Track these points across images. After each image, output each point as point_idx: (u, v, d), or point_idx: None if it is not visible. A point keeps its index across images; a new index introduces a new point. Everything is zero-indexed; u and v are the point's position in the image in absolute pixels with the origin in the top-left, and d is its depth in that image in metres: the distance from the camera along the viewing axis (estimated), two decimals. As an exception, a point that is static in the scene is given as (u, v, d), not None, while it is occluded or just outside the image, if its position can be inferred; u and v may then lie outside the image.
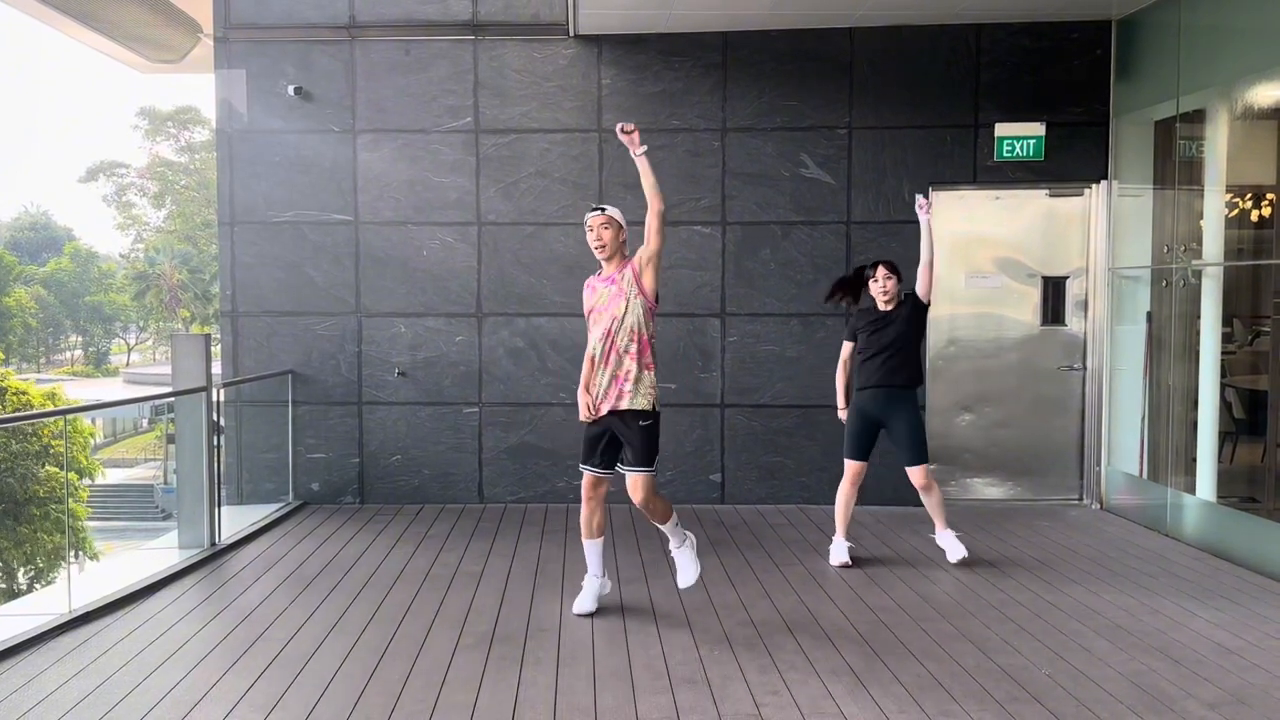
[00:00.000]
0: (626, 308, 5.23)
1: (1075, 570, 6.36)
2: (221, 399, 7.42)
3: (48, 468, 22.56)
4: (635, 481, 5.29)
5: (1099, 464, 8.23)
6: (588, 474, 5.45)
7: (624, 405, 5.23)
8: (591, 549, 5.52)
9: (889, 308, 6.36)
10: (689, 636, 5.15)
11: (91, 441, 33.86)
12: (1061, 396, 8.35)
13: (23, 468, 22.18)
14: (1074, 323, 8.33)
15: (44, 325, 59.14)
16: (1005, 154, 8.14)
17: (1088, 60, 8.12)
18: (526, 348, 8.34)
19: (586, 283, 5.43)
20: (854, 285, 6.53)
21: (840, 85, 8.21)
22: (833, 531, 6.63)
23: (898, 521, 7.55)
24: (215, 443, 7.06)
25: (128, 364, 61.86)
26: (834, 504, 6.60)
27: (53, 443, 22.23)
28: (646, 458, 5.28)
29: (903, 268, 6.46)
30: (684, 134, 8.26)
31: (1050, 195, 8.31)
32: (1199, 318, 7.17)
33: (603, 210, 5.27)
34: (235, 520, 7.54)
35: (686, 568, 5.53)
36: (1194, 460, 7.19)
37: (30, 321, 56.26)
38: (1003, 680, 4.55)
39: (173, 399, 7.02)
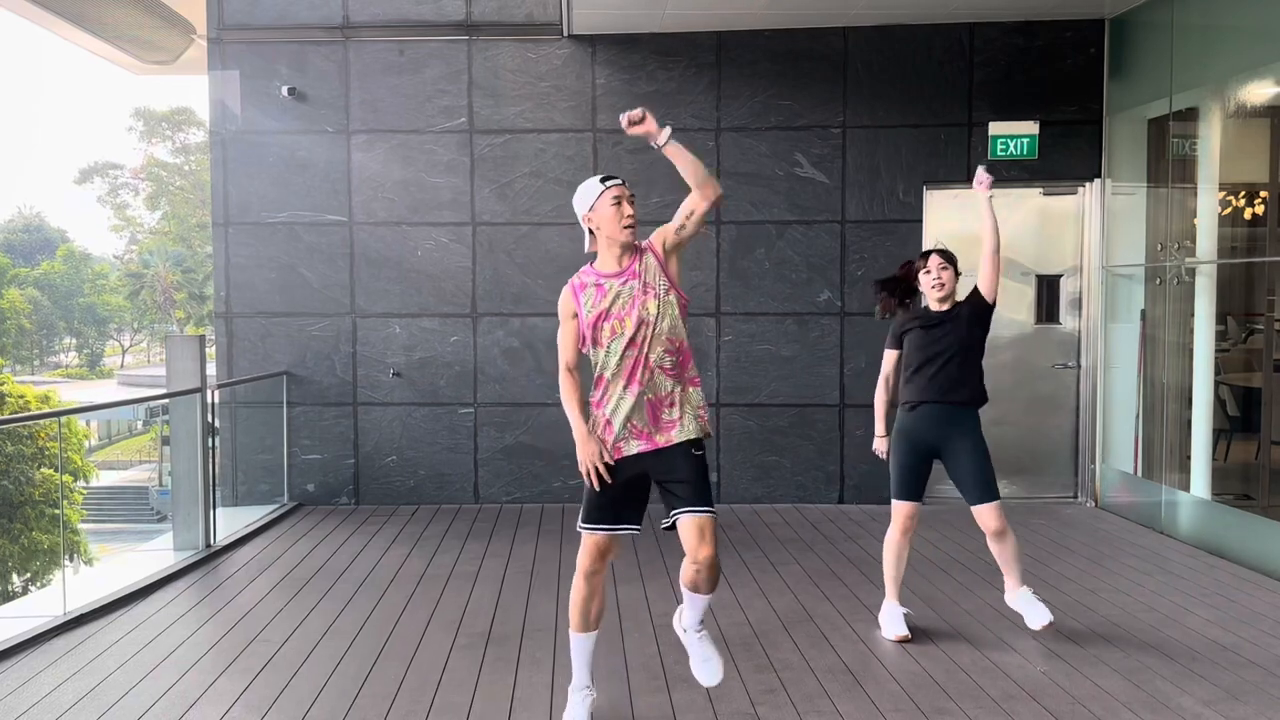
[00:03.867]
0: (659, 309, 3.78)
1: (1070, 568, 6.36)
2: (216, 400, 7.41)
3: (42, 470, 22.51)
4: (705, 526, 3.72)
5: (1094, 462, 8.25)
6: (600, 535, 3.87)
7: (675, 439, 3.78)
8: (586, 646, 4.04)
9: (944, 306, 5.02)
10: (685, 636, 5.15)
11: (86, 444, 33.80)
12: (1056, 394, 8.36)
13: (17, 470, 22.13)
14: (1068, 321, 8.34)
15: (38, 327, 58.98)
16: (999, 152, 8.15)
17: (1081, 59, 8.13)
18: (521, 348, 8.34)
19: (577, 282, 3.89)
20: (904, 287, 5.11)
21: (834, 84, 8.21)
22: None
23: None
24: (210, 444, 7.06)
25: (122, 366, 61.75)
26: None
27: (48, 445, 22.19)
28: (708, 494, 3.79)
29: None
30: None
31: (1044, 194, 8.32)
32: (1193, 315, 7.18)
33: (624, 181, 4.02)
34: (230, 522, 7.53)
35: (711, 658, 3.96)
36: (1188, 458, 7.20)
37: (24, 323, 56.11)
38: (999, 678, 4.56)
39: (167, 401, 7.02)
